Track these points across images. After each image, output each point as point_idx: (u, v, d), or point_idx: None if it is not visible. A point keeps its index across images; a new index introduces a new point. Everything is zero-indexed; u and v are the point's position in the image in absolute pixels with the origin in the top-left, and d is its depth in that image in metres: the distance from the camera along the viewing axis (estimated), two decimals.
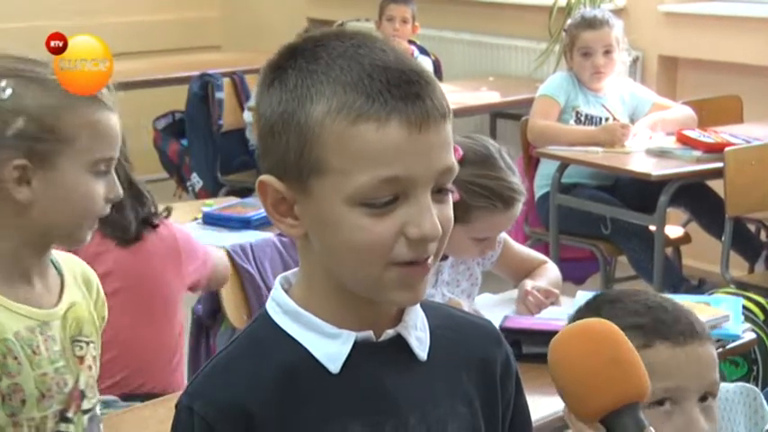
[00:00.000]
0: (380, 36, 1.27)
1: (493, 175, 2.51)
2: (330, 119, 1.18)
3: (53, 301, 1.77)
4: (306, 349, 1.26)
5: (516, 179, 2.56)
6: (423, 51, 5.71)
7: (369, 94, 1.18)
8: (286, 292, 1.30)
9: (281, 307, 1.29)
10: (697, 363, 1.55)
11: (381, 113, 1.18)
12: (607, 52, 4.50)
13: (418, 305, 1.30)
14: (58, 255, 1.84)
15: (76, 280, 1.84)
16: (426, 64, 5.61)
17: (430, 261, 1.22)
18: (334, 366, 1.25)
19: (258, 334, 1.30)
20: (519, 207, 2.57)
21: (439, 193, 1.22)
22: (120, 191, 1.78)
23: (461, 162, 2.50)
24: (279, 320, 1.28)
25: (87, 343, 1.81)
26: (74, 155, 1.70)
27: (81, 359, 1.79)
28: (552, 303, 2.69)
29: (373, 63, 1.20)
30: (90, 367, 1.82)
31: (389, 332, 1.28)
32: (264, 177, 1.25)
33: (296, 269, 1.32)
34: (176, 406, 1.29)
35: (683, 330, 1.55)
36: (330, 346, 1.25)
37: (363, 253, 1.20)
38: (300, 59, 1.22)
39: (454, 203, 1.25)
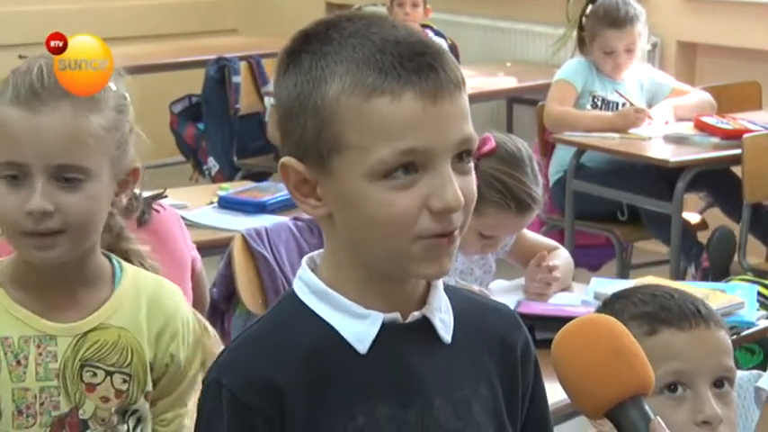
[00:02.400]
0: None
1: (516, 176, 2.51)
2: (345, 96, 1.20)
3: (77, 316, 1.62)
4: (334, 329, 1.27)
5: (538, 189, 2.56)
6: (438, 34, 5.69)
7: (381, 69, 1.19)
8: (313, 272, 1.30)
9: (308, 287, 1.29)
10: (704, 346, 1.54)
11: (395, 87, 1.19)
12: (629, 50, 4.45)
13: (441, 288, 1.31)
14: (138, 271, 1.69)
15: (137, 302, 1.66)
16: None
17: (456, 233, 1.23)
18: (362, 347, 1.26)
19: (286, 313, 1.31)
20: (531, 215, 2.57)
21: (460, 162, 1.22)
22: (38, 203, 1.53)
23: (491, 154, 2.51)
24: (306, 300, 1.29)
25: (109, 373, 1.63)
26: None
27: (91, 387, 1.62)
28: (556, 281, 2.68)
29: (384, 39, 1.21)
30: (105, 399, 1.63)
31: (415, 314, 1.29)
32: (285, 159, 1.26)
33: (321, 250, 1.32)
34: (203, 381, 1.30)
35: (686, 314, 1.55)
36: (358, 327, 1.26)
37: (388, 228, 1.21)
38: (314, 42, 1.24)
39: None
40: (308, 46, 1.24)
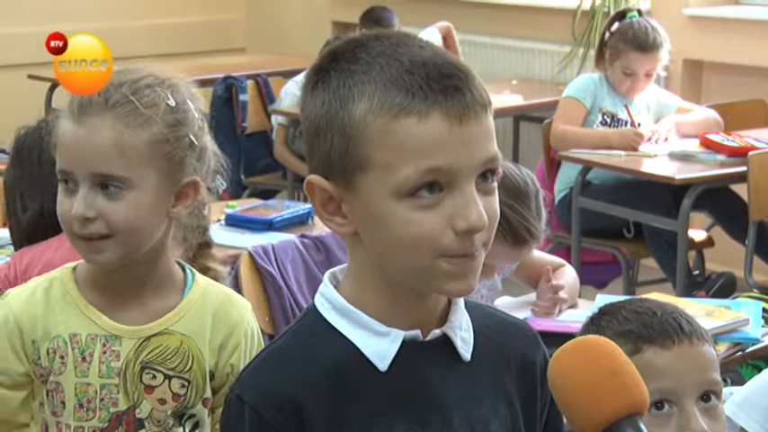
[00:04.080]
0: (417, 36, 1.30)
1: (517, 209, 2.50)
2: (372, 115, 1.21)
3: (144, 320, 1.69)
4: (355, 346, 1.28)
5: (539, 224, 2.54)
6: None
7: (409, 90, 1.21)
8: (335, 288, 1.31)
9: (330, 303, 1.31)
10: (688, 362, 1.54)
11: (422, 107, 1.20)
12: (648, 75, 4.45)
13: (463, 306, 1.32)
14: (210, 282, 1.76)
15: (203, 311, 1.72)
16: (432, 36, 5.61)
17: (478, 252, 1.24)
18: (383, 364, 1.27)
19: (308, 329, 1.32)
20: (528, 249, 2.56)
21: (485, 182, 1.24)
22: (78, 209, 1.62)
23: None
24: (328, 316, 1.30)
25: (169, 377, 1.69)
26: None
27: (150, 388, 1.68)
28: (564, 302, 2.68)
29: (412, 59, 1.23)
30: (162, 401, 1.69)
31: (436, 332, 1.30)
32: (312, 177, 1.27)
33: (343, 265, 1.34)
34: (226, 398, 1.32)
35: (668, 332, 1.55)
36: (379, 344, 1.27)
37: (412, 246, 1.22)
38: (342, 61, 1.25)
39: None
40: (336, 64, 1.25)
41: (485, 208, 1.22)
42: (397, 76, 1.21)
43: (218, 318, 1.72)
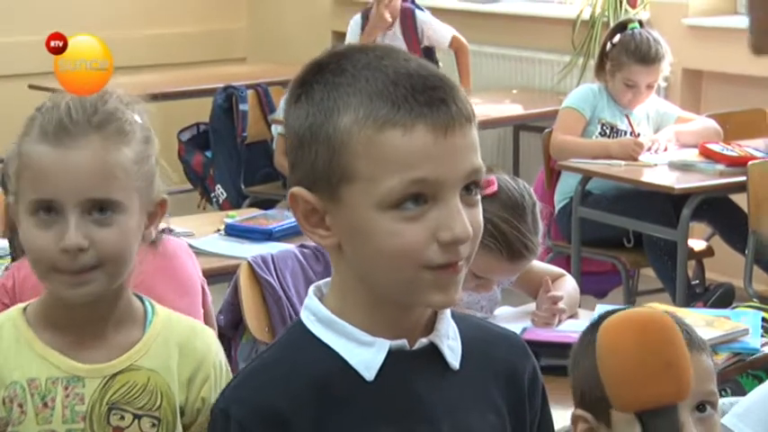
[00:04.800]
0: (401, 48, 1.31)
1: (513, 223, 2.48)
2: (357, 127, 1.21)
3: (106, 358, 1.58)
4: (340, 357, 1.28)
5: (536, 239, 2.51)
6: (418, 7, 5.79)
7: (394, 102, 1.21)
8: (319, 300, 1.32)
9: (315, 315, 1.31)
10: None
11: (407, 119, 1.21)
12: (650, 86, 4.45)
13: (449, 315, 1.32)
14: (171, 314, 1.66)
15: (167, 344, 1.62)
16: (426, 17, 5.68)
17: (461, 263, 1.24)
18: (369, 374, 1.27)
19: (293, 342, 1.32)
20: (525, 263, 2.54)
21: (468, 194, 1.24)
22: (73, 240, 1.50)
23: (492, 197, 2.48)
24: (313, 328, 1.30)
25: (138, 416, 1.58)
26: (21, 196, 1.55)
27: (119, 429, 1.58)
28: (563, 312, 2.68)
29: (397, 71, 1.23)
30: None
31: (423, 341, 1.30)
32: (295, 189, 1.27)
33: (328, 279, 1.34)
34: (212, 411, 1.32)
35: None
36: (365, 354, 1.27)
37: (396, 258, 1.22)
38: (326, 73, 1.26)
39: None
40: (321, 76, 1.26)
41: (468, 219, 1.23)
42: (382, 88, 1.22)
43: (184, 350, 1.62)
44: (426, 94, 1.22)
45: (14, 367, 1.56)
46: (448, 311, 1.33)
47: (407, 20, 5.69)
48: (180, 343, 1.63)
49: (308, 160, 1.25)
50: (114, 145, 1.54)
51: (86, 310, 1.57)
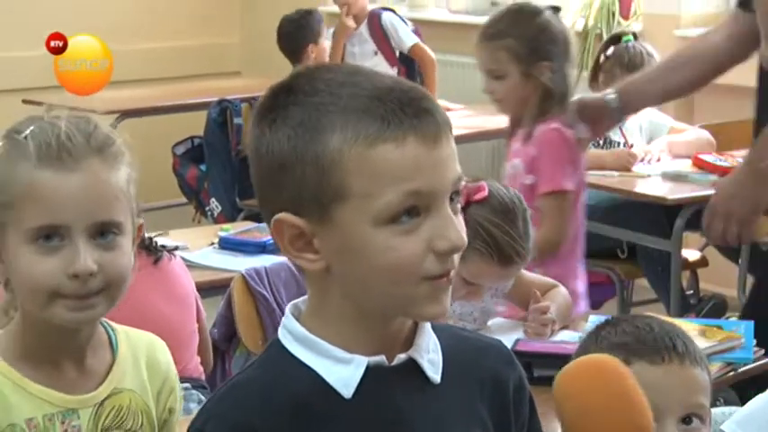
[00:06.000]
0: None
1: (504, 228, 2.48)
2: (347, 146, 1.21)
3: (91, 385, 1.58)
4: (318, 375, 1.27)
5: (526, 244, 2.53)
6: (386, 9, 5.94)
7: (383, 117, 1.21)
8: (297, 319, 1.31)
9: (292, 334, 1.30)
10: (674, 381, 1.55)
11: (398, 133, 1.21)
12: None
13: (429, 328, 1.32)
14: (127, 331, 1.65)
15: (137, 362, 1.62)
16: (392, 19, 5.80)
17: (453, 272, 1.25)
18: (347, 391, 1.26)
19: (271, 361, 1.32)
20: (516, 269, 2.55)
21: (452, 203, 1.25)
22: (86, 264, 1.48)
23: (482, 202, 2.49)
24: (291, 347, 1.30)
25: None
26: (15, 224, 1.50)
27: None
28: (554, 322, 2.68)
29: (377, 87, 1.24)
30: None
31: (401, 356, 1.29)
32: (281, 216, 1.25)
33: (305, 297, 1.33)
34: (188, 429, 1.30)
35: (659, 349, 1.56)
36: (342, 371, 1.26)
37: (395, 273, 1.22)
38: (300, 95, 1.25)
39: None
40: (295, 98, 1.25)
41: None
42: (368, 104, 1.22)
43: (150, 365, 1.63)
44: (413, 106, 1.23)
45: (11, 407, 1.53)
46: (428, 325, 1.32)
47: (374, 19, 5.85)
48: (146, 358, 1.64)
49: (293, 183, 1.23)
50: (112, 167, 1.53)
51: (67, 338, 1.55)
